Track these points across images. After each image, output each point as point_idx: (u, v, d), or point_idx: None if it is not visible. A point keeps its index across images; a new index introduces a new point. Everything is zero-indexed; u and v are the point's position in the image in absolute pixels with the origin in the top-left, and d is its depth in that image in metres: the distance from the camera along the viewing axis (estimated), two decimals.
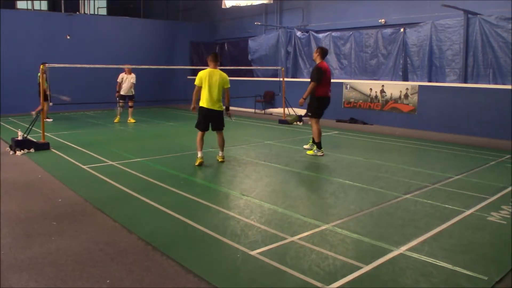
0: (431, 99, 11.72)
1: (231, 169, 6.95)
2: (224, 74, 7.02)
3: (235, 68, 16.23)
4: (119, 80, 12.23)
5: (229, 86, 7.09)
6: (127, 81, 12.22)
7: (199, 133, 7.14)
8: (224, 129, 7.27)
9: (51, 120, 12.97)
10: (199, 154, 7.09)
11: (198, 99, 7.06)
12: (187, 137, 9.21)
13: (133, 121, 12.72)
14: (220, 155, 7.37)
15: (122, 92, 12.30)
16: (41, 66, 8.65)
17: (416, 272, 3.39)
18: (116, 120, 12.72)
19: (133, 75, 12.30)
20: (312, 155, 7.92)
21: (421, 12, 12.80)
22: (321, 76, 7.73)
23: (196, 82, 6.93)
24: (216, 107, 6.99)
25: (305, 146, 8.52)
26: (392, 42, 12.92)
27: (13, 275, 3.31)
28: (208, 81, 6.85)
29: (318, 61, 7.89)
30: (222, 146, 7.31)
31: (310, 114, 8.01)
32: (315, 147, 7.98)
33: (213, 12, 20.03)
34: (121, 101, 12.41)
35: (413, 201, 5.29)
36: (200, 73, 6.93)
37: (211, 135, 7.37)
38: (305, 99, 7.94)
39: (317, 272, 3.36)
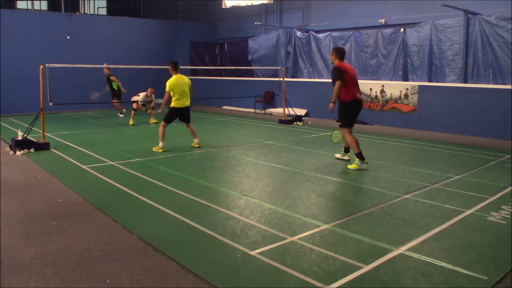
0: (431, 99, 11.71)
1: (231, 169, 6.96)
2: (186, 77, 8.52)
3: (235, 68, 16.23)
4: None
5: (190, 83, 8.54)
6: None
7: (164, 126, 8.29)
8: (224, 129, 7.33)
9: (122, 115, 14.09)
10: (161, 144, 8.29)
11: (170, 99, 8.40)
12: (186, 137, 9.20)
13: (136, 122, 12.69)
14: (195, 141, 8.64)
15: (139, 98, 12.27)
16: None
17: (416, 272, 3.39)
18: (152, 121, 12.60)
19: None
20: (356, 169, 6.90)
21: (421, 12, 12.80)
22: (341, 75, 6.82)
23: (168, 89, 8.20)
24: (187, 104, 8.51)
25: (336, 155, 7.74)
26: (392, 42, 12.92)
27: (13, 275, 3.31)
28: (180, 86, 8.23)
29: (336, 62, 7.06)
30: (195, 133, 8.68)
31: (340, 123, 7.16)
32: (357, 159, 6.96)
33: (213, 12, 20.03)
34: (135, 103, 12.42)
35: (413, 201, 5.29)
36: (171, 81, 8.21)
37: (219, 138, 7.37)
38: (334, 102, 6.97)
39: (317, 272, 3.36)
